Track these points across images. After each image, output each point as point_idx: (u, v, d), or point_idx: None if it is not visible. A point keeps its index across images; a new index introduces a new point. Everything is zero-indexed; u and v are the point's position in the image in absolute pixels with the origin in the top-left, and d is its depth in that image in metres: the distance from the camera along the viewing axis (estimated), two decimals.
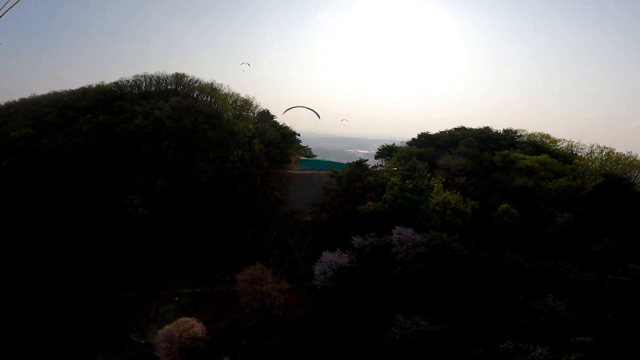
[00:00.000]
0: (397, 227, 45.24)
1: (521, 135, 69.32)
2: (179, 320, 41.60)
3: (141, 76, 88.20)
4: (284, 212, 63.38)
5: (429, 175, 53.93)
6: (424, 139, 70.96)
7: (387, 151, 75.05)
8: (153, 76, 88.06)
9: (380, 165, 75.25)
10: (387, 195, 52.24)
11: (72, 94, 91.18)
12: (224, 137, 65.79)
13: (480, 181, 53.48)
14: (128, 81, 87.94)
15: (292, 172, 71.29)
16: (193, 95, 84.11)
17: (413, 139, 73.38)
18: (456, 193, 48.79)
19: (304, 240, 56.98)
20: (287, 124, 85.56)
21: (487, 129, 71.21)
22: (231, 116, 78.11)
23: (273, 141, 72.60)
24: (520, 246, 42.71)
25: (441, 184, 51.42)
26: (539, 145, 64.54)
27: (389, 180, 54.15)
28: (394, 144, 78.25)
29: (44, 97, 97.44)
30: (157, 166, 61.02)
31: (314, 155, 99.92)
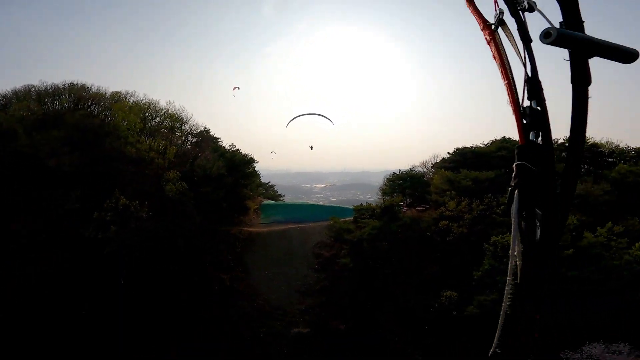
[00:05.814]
0: None
1: (613, 146, 43.55)
2: None
3: (29, 86, 51.39)
4: (243, 314, 31.08)
5: None
6: (470, 156, 42.30)
7: (407, 181, 45.55)
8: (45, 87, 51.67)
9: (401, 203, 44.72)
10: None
11: None
12: (110, 166, 32.16)
13: None
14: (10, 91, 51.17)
15: (251, 229, 38.74)
16: (87, 109, 49.01)
17: (449, 155, 44.74)
18: None
19: None
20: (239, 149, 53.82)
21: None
22: (140, 135, 44.84)
23: (213, 175, 40.17)
24: None
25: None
26: None
27: (489, 246, 23.89)
28: (411, 170, 49.02)
29: None
30: None
31: (281, 197, 67.75)
